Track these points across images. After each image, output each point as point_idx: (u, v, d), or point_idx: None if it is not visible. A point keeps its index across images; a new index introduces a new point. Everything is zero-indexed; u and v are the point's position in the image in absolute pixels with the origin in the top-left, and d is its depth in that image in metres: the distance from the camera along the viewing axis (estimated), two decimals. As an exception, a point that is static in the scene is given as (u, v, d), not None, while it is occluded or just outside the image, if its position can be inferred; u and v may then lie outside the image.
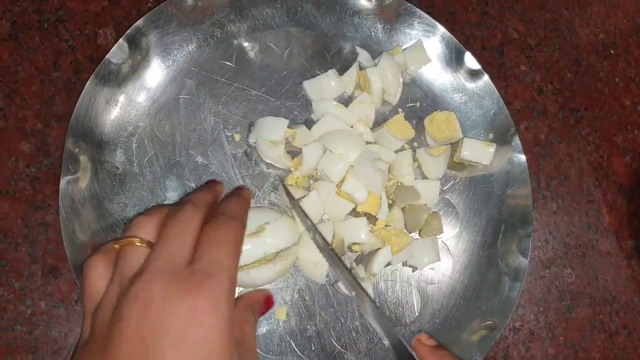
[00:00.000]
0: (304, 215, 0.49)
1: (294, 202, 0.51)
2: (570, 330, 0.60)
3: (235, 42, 0.57)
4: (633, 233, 0.63)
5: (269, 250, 0.47)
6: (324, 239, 0.49)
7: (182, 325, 0.32)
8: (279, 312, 0.52)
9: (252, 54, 0.57)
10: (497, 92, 0.59)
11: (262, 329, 0.51)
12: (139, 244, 0.37)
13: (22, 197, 0.51)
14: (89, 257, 0.38)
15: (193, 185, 0.53)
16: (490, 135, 0.59)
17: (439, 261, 0.55)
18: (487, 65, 0.62)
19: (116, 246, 0.37)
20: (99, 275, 0.37)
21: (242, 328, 0.39)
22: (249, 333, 0.39)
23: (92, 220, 0.50)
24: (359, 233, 0.52)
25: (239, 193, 0.44)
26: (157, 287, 0.33)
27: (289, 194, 0.52)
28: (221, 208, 0.41)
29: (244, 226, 0.41)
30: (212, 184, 0.45)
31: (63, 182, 0.49)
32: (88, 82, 0.51)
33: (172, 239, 0.36)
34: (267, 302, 0.45)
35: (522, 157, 0.58)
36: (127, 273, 0.35)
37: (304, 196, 0.52)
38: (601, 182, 0.64)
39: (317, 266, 0.50)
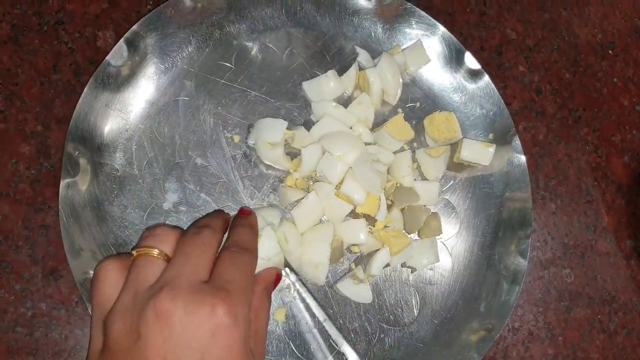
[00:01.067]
0: None
1: None
2: (569, 331, 0.60)
3: (235, 42, 0.57)
4: (632, 233, 0.64)
5: (265, 254, 0.47)
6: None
7: (207, 341, 0.33)
8: (278, 314, 0.52)
9: (251, 55, 0.57)
10: (497, 92, 0.59)
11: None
12: (157, 256, 0.37)
13: (22, 199, 0.51)
14: (102, 261, 0.38)
15: (192, 187, 0.53)
16: (490, 136, 0.59)
17: (438, 262, 0.55)
18: (486, 65, 0.62)
19: (133, 253, 0.38)
20: (112, 282, 0.37)
21: (258, 316, 0.39)
22: (262, 323, 0.40)
23: (92, 222, 0.50)
24: (358, 234, 0.52)
25: (249, 223, 0.45)
26: (179, 302, 0.33)
27: None
28: (234, 237, 0.43)
29: (256, 257, 0.43)
30: (219, 211, 0.48)
31: (63, 185, 0.49)
32: (87, 85, 0.51)
33: (193, 259, 0.37)
34: (277, 280, 0.46)
35: (522, 158, 0.58)
36: (143, 284, 0.35)
37: (303, 197, 0.52)
38: (600, 182, 0.64)
39: (318, 267, 0.51)
